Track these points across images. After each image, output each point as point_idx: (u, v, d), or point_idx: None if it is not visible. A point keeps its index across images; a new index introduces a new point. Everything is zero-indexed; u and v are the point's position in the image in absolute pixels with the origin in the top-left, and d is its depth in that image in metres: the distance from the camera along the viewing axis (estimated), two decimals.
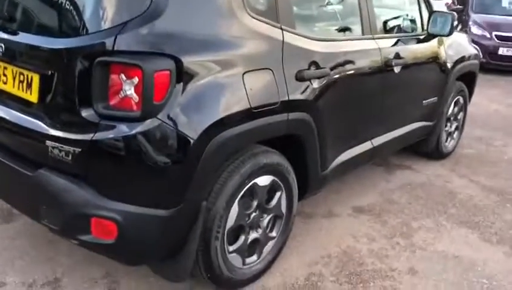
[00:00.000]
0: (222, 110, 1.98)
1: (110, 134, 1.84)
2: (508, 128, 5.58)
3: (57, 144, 1.92)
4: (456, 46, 3.98)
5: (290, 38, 2.31)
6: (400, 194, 3.62)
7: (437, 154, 4.27)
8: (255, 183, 2.26)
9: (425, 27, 3.53)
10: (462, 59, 4.02)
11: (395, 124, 3.39)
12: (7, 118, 2.13)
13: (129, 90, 1.81)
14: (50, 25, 1.98)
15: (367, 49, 2.86)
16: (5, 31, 2.11)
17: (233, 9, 2.07)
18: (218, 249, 2.16)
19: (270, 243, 2.48)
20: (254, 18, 2.15)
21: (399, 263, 2.72)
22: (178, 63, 1.84)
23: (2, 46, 2.08)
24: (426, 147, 4.13)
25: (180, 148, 1.88)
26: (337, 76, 2.57)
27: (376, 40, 2.95)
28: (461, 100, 4.36)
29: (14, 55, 2.09)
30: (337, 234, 2.97)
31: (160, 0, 1.85)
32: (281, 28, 2.27)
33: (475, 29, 9.13)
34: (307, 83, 2.38)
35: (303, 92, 2.36)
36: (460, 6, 10.09)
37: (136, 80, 1.79)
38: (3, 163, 2.14)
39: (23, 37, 2.04)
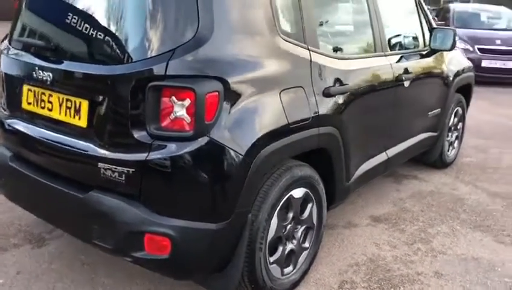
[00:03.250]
0: (264, 126, 2.11)
1: (163, 153, 1.94)
2: (501, 136, 5.82)
3: (109, 165, 2.02)
4: (455, 59, 4.19)
5: (316, 57, 2.46)
6: (411, 202, 3.76)
7: (440, 163, 4.45)
8: (291, 196, 2.37)
9: (427, 43, 3.73)
10: (460, 72, 4.24)
11: (405, 135, 3.56)
12: (55, 143, 2.22)
13: (181, 111, 1.92)
14: (100, 53, 2.09)
15: (380, 66, 3.03)
16: (52, 60, 2.21)
17: (269, 33, 2.22)
18: (261, 260, 2.26)
19: (304, 254, 2.59)
20: (286, 40, 2.30)
21: (424, 268, 2.84)
22: (225, 84, 1.96)
23: (49, 75, 2.18)
24: (431, 157, 4.30)
25: (230, 164, 2.00)
26: (357, 91, 2.73)
27: (387, 56, 3.13)
28: (460, 111, 4.56)
29: (61, 83, 2.19)
30: (360, 243, 3.09)
31: (206, 27, 1.97)
32: (308, 49, 2.42)
33: (458, 43, 9.46)
34: (333, 98, 2.53)
35: (330, 107, 2.51)
36: (442, 22, 10.47)
37: (188, 102, 1.90)
38: (52, 187, 2.22)
39: (72, 65, 2.14)
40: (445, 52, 3.92)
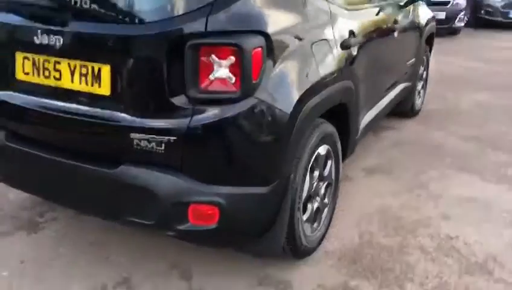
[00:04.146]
0: (304, 82, 2.02)
1: (208, 118, 1.80)
2: (450, 82, 6.13)
3: (144, 135, 1.84)
4: (422, 10, 4.28)
5: (334, 9, 2.38)
6: (396, 152, 3.88)
7: (411, 112, 4.60)
8: (318, 153, 2.33)
9: None
10: (428, 22, 4.35)
11: (393, 86, 3.62)
12: (68, 116, 1.99)
13: (225, 71, 1.78)
14: (125, 11, 1.84)
15: (379, 17, 3.01)
16: (60, 21, 1.94)
17: None
18: (300, 220, 2.22)
19: (326, 210, 2.58)
20: None
21: (430, 212, 2.96)
22: (267, 39, 1.84)
23: (58, 39, 1.92)
24: (405, 107, 4.43)
25: (277, 123, 1.90)
26: (365, 43, 2.70)
27: (381, 7, 3.11)
28: (425, 60, 4.71)
29: (74, 48, 1.93)
30: (363, 195, 3.14)
31: None
32: (327, 0, 2.34)
33: None
34: (349, 51, 2.48)
35: (347, 60, 2.46)
36: None
37: (232, 60, 1.76)
38: (69, 165, 2.00)
39: (88, 27, 1.89)
40: (415, 3, 3.98)
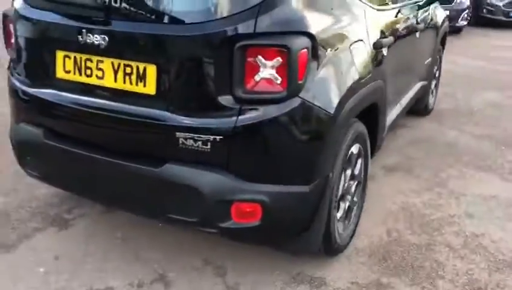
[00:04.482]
0: (344, 82, 2.06)
1: (255, 118, 1.83)
2: (459, 82, 6.17)
3: (191, 134, 1.87)
4: (438, 10, 4.32)
5: (366, 9, 2.41)
6: (413, 150, 3.92)
7: (425, 111, 4.64)
8: (351, 152, 2.36)
9: None
10: (443, 21, 4.39)
11: (413, 84, 3.66)
12: (112, 115, 2.01)
13: (272, 72, 1.80)
14: (172, 10, 1.87)
15: (403, 17, 3.05)
16: (104, 21, 1.95)
17: None
18: (335, 218, 2.25)
19: (355, 208, 2.62)
20: None
21: (453, 210, 3.00)
22: (312, 40, 1.86)
23: (103, 38, 1.93)
24: (420, 105, 4.46)
25: (320, 123, 1.94)
26: (394, 42, 2.73)
27: (404, 7, 3.15)
28: (438, 59, 4.75)
29: (118, 47, 1.95)
30: (386, 193, 3.18)
31: None
32: (361, 1, 2.37)
33: None
34: (381, 51, 2.51)
35: (379, 60, 2.49)
36: None
37: (279, 60, 1.79)
38: (112, 163, 2.02)
39: (135, 26, 1.91)
40: (433, 4, 4.01)
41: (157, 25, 1.89)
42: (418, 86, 3.92)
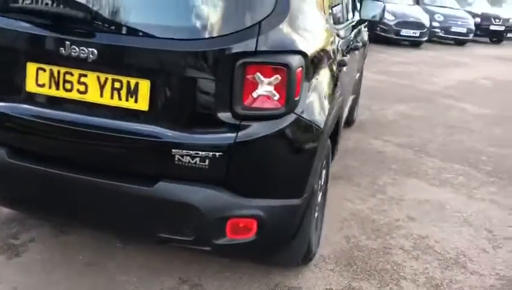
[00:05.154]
0: (327, 98, 2.17)
1: (254, 134, 1.85)
2: (369, 95, 6.67)
3: (188, 151, 1.84)
4: (363, 29, 4.65)
5: (332, 29, 2.55)
6: (348, 159, 4.17)
7: (351, 122, 4.97)
8: (324, 163, 2.48)
9: (357, 13, 4.07)
10: (366, 40, 4.74)
11: (349, 97, 3.90)
12: (95, 131, 1.90)
13: (270, 89, 1.84)
14: (172, 24, 1.82)
15: (350, 36, 3.26)
16: (90, 32, 1.85)
17: (321, 11, 2.27)
18: (313, 227, 2.34)
19: (319, 216, 2.73)
20: (326, 15, 2.36)
21: (396, 214, 3.26)
22: (306, 58, 1.94)
23: (89, 52, 1.83)
24: (348, 117, 4.75)
25: (314, 137, 2.02)
26: (347, 59, 2.91)
27: (349, 26, 3.37)
28: (362, 74, 5.11)
29: (107, 61, 1.86)
30: (334, 200, 3.33)
31: (284, 1, 1.90)
32: (330, 23, 2.51)
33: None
34: (341, 69, 2.67)
35: (341, 76, 2.65)
36: None
37: (278, 78, 1.84)
38: (95, 182, 1.91)
39: (129, 40, 1.83)
40: (362, 24, 4.33)
41: (154, 39, 1.83)
42: (351, 98, 4.19)
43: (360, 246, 2.83)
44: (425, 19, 13.00)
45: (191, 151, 1.84)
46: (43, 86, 1.94)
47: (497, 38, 17.25)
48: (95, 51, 1.83)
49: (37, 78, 1.94)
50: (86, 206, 2.00)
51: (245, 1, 1.84)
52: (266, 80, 1.83)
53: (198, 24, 1.83)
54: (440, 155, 4.51)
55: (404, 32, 12.47)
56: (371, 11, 3.94)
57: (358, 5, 4.04)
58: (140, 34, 1.84)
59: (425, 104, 6.55)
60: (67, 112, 1.94)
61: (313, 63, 2.05)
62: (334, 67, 2.42)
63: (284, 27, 1.89)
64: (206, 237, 1.92)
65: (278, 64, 1.83)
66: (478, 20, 16.14)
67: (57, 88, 1.93)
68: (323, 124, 2.07)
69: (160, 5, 1.85)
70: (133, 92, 1.86)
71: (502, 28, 16.93)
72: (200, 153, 1.84)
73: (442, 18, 14.32)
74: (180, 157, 1.85)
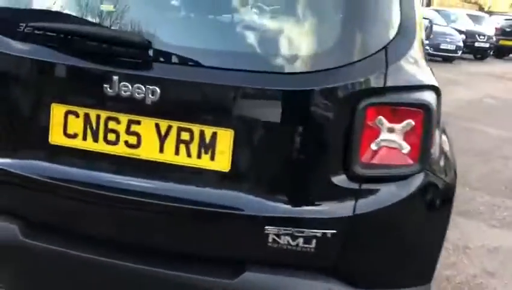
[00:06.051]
0: (447, 143, 1.65)
1: (379, 202, 1.33)
2: None
3: (287, 229, 1.30)
4: None
5: None
6: None
7: None
8: None
9: None
10: None
11: None
12: (151, 200, 1.34)
13: (396, 138, 1.33)
14: (268, 54, 1.30)
15: None
16: (156, 63, 1.31)
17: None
18: None
19: None
20: None
21: (470, 268, 2.76)
22: (439, 96, 1.41)
23: (154, 91, 1.27)
24: None
25: (448, 204, 1.49)
26: None
27: None
28: None
29: (175, 102, 1.32)
30: None
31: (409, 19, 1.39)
32: None
33: None
34: None
35: None
36: None
37: (410, 123, 1.32)
38: (152, 273, 1.35)
39: (208, 75, 1.29)
40: None
41: (241, 73, 1.29)
42: None
43: None
44: None
45: (291, 229, 1.30)
46: (74, 136, 1.38)
47: (481, 55, 17.27)
48: (157, 90, 1.28)
49: (65, 126, 1.38)
50: None
51: (365, 19, 1.33)
52: (393, 127, 1.32)
53: (303, 52, 1.31)
54: (485, 188, 4.06)
55: None
56: None
57: None
58: (222, 65, 1.30)
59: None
60: (110, 174, 1.38)
61: (439, 102, 1.55)
62: None
63: (413, 54, 1.39)
64: None
65: (413, 106, 1.32)
66: (463, 37, 16.13)
67: (95, 140, 1.37)
68: (455, 183, 1.56)
69: (252, 27, 1.32)
70: (208, 146, 1.31)
71: (487, 45, 16.97)
72: (305, 230, 1.30)
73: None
74: (275, 237, 1.31)
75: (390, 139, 1.33)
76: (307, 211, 1.32)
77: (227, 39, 1.34)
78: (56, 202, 1.43)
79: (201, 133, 1.31)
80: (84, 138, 1.37)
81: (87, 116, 1.36)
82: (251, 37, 1.30)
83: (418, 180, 1.37)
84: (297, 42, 1.32)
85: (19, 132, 1.45)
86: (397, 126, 1.32)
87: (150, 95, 1.28)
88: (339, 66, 1.28)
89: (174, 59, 1.31)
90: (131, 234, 1.40)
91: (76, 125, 1.37)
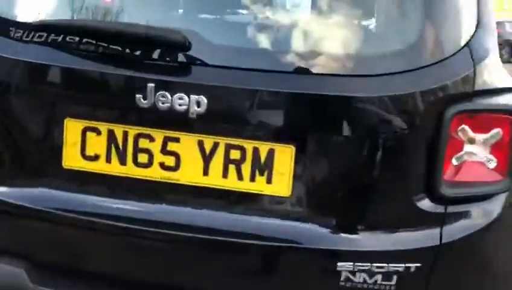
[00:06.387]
0: None
1: (467, 227, 1.13)
2: None
3: (364, 264, 1.08)
4: None
5: None
6: None
7: None
8: None
9: None
10: None
11: None
12: (201, 236, 1.10)
13: (481, 151, 1.13)
14: (336, 55, 1.07)
15: None
16: (214, 69, 1.07)
17: None
18: None
19: None
20: None
21: None
22: None
23: (199, 101, 1.03)
24: None
25: None
26: None
27: None
28: None
29: (224, 114, 1.09)
30: None
31: (485, 6, 1.22)
32: None
33: None
34: None
35: None
36: None
37: (498, 133, 1.12)
38: None
39: (263, 79, 1.06)
40: None
41: (306, 78, 1.06)
42: None
43: None
44: None
45: (369, 264, 1.08)
46: (95, 158, 1.12)
47: None
48: (204, 99, 1.04)
49: (83, 146, 1.12)
50: None
51: (445, 10, 1.13)
52: (479, 137, 1.12)
53: (381, 51, 1.10)
54: None
55: None
56: None
57: None
58: (284, 69, 1.07)
59: None
60: (141, 203, 1.13)
61: None
62: None
63: (495, 50, 1.20)
64: None
65: (501, 112, 1.13)
66: None
67: (122, 162, 1.11)
68: None
69: (323, 25, 1.10)
70: (263, 167, 1.08)
71: None
72: (385, 265, 1.08)
73: None
74: (349, 274, 1.09)
75: (475, 152, 1.13)
76: (387, 242, 1.10)
77: (294, 38, 1.11)
78: (71, 239, 1.17)
79: (255, 151, 1.07)
80: (108, 160, 1.12)
81: (111, 134, 1.11)
82: (321, 35, 1.08)
83: (502, 199, 1.18)
84: (375, 41, 1.11)
85: (24, 154, 1.18)
86: (483, 136, 1.12)
87: (195, 107, 1.04)
88: (422, 67, 1.08)
89: (225, 62, 1.07)
90: (171, 277, 1.14)
91: (97, 144, 1.12)
